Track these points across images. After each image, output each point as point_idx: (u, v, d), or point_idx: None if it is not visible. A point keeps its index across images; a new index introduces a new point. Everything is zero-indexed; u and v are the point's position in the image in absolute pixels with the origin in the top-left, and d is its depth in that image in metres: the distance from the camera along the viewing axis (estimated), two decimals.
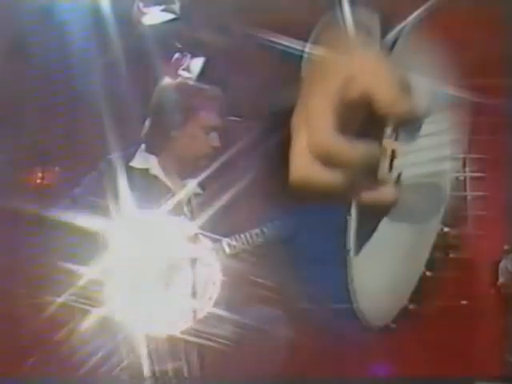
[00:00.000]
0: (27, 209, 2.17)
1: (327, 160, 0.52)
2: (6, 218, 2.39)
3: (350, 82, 0.53)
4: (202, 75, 2.41)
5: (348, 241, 0.70)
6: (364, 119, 0.54)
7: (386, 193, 0.56)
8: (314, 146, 0.53)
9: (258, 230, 2.11)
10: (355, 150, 0.52)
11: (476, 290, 3.33)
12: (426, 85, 0.61)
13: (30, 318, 2.29)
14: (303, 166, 0.54)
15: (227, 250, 2.08)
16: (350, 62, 0.54)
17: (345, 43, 0.57)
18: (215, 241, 2.08)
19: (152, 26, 2.55)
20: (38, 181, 2.95)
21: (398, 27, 0.61)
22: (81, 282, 1.84)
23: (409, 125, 0.52)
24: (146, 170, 2.14)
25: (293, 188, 0.54)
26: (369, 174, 0.55)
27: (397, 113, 0.51)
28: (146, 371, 1.87)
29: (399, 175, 0.62)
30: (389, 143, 0.61)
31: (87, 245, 1.89)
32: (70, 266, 1.83)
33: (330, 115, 0.53)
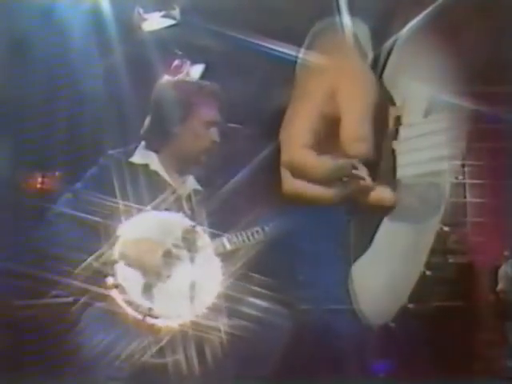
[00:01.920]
0: (29, 203, 2.18)
1: (295, 174, 0.54)
2: (8, 212, 2.40)
3: (332, 95, 0.55)
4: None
5: (347, 241, 0.70)
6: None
7: (385, 196, 0.57)
8: (286, 161, 0.55)
9: (258, 228, 2.12)
10: (323, 164, 0.54)
11: (475, 294, 3.33)
12: (425, 90, 0.61)
13: (34, 311, 2.31)
14: (290, 179, 0.56)
15: (227, 245, 2.09)
16: (336, 73, 0.55)
17: (338, 50, 0.58)
18: (215, 237, 2.08)
19: (152, 32, 2.56)
20: (39, 185, 2.96)
21: (395, 35, 0.62)
22: (81, 275, 1.86)
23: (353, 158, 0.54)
24: (146, 165, 2.15)
25: (285, 199, 0.56)
26: (371, 168, 0.56)
27: (349, 152, 0.53)
28: (147, 362, 1.88)
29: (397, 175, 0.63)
30: (387, 143, 0.62)
31: (88, 238, 1.90)
32: (70, 258, 1.84)
33: (304, 131, 0.55)
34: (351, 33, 0.58)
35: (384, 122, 0.61)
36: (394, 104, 0.61)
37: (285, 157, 0.55)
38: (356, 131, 0.53)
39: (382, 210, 0.59)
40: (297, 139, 0.55)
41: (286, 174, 0.56)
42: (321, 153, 0.54)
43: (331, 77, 0.55)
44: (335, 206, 0.69)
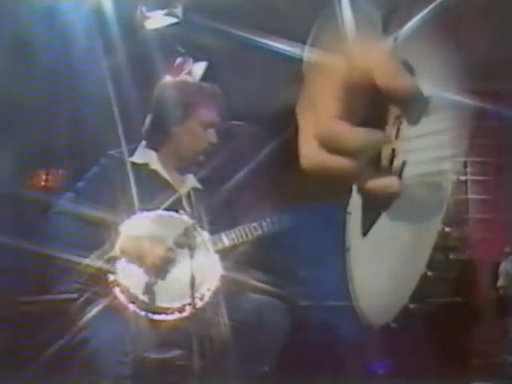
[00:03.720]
0: (32, 202, 2.19)
1: (331, 145, 0.53)
2: (11, 212, 2.41)
3: (352, 68, 0.54)
4: (204, 80, 2.43)
5: (347, 239, 0.71)
6: (364, 116, 0.55)
7: (390, 183, 0.57)
8: (319, 132, 0.54)
9: (256, 223, 2.14)
10: (357, 134, 0.53)
11: (476, 291, 3.34)
12: (427, 87, 0.61)
13: (37, 307, 2.32)
14: (313, 152, 0.55)
15: (226, 242, 2.10)
16: (352, 50, 0.55)
17: (344, 39, 0.58)
18: (214, 233, 2.10)
19: (155, 30, 2.57)
20: (43, 183, 2.97)
21: (397, 32, 0.62)
22: (82, 273, 1.87)
23: (410, 107, 0.53)
24: (146, 164, 2.17)
25: (305, 174, 0.55)
26: (373, 163, 0.56)
27: (396, 87, 0.52)
28: (148, 357, 1.90)
29: (402, 171, 0.63)
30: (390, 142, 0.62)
31: (89, 237, 1.92)
32: (72, 257, 1.86)
33: (333, 103, 0.54)
34: (360, 16, 0.58)
35: (386, 119, 0.61)
36: (413, 71, 0.60)
37: (317, 129, 0.54)
38: (390, 68, 0.52)
39: (388, 197, 0.59)
40: (326, 110, 0.54)
41: (305, 147, 0.56)
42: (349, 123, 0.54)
43: (347, 53, 0.55)
44: (335, 204, 0.69)
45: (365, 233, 0.68)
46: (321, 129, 0.54)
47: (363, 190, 0.57)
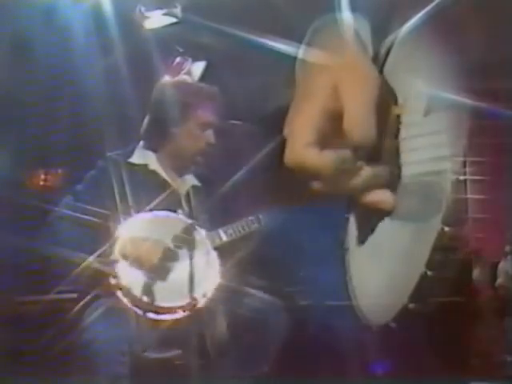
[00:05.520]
0: (30, 204, 2.20)
1: (299, 172, 0.55)
2: (10, 213, 2.41)
3: (334, 90, 0.55)
4: (203, 79, 2.43)
5: (346, 239, 0.71)
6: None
7: (384, 199, 0.57)
8: (286, 159, 0.56)
9: (253, 217, 2.16)
10: (324, 160, 0.55)
11: (475, 290, 3.34)
12: (425, 87, 0.61)
13: (37, 308, 2.32)
14: (294, 149, 0.56)
15: (224, 237, 2.12)
16: (337, 69, 0.56)
17: (338, 46, 0.58)
18: (212, 229, 2.11)
19: (154, 30, 2.57)
20: (41, 182, 2.97)
21: (396, 32, 0.62)
22: (82, 274, 1.88)
23: (358, 148, 0.54)
24: (145, 165, 2.18)
25: (289, 169, 0.57)
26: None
27: (352, 138, 0.53)
28: (148, 357, 1.91)
29: (397, 173, 0.63)
30: (388, 142, 0.62)
31: (88, 239, 1.93)
32: (71, 258, 1.87)
33: (308, 129, 0.56)
34: (351, 28, 0.59)
35: (386, 118, 0.62)
36: (395, 99, 0.61)
37: (288, 156, 0.56)
38: (357, 117, 0.53)
39: (381, 212, 0.59)
40: (299, 138, 0.55)
41: (289, 144, 0.57)
42: (326, 149, 0.55)
43: (332, 72, 0.56)
44: (335, 204, 0.69)
45: (362, 241, 0.69)
46: (290, 158, 0.56)
47: (358, 203, 0.58)
